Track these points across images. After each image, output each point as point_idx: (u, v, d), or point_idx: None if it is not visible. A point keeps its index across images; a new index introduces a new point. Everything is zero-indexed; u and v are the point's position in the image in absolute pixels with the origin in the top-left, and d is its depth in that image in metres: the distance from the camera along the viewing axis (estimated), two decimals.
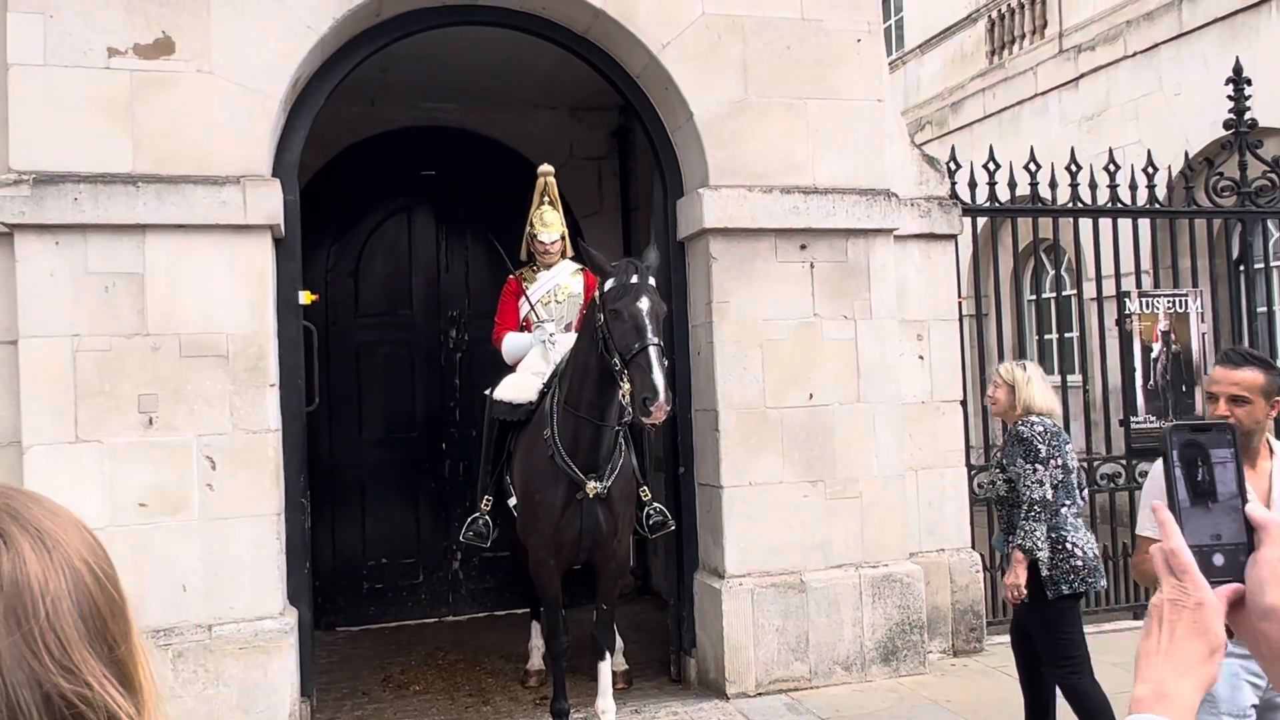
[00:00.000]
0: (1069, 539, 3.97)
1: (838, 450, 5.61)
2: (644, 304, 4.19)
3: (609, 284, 4.32)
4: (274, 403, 4.95)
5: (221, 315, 4.82)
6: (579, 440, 4.53)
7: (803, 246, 5.63)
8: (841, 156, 5.69)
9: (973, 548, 6.25)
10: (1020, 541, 3.91)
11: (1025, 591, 3.93)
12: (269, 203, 4.88)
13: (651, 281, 4.34)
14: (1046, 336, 8.15)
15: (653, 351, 4.07)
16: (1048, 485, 3.94)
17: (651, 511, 5.09)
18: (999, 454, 4.21)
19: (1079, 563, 3.94)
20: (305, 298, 5.17)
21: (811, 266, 5.65)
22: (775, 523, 5.51)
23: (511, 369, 5.44)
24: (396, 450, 7.59)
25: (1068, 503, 4.01)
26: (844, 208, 5.64)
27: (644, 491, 5.08)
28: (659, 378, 4.00)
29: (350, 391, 7.48)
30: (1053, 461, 3.96)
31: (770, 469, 5.52)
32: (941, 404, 6.14)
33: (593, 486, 4.56)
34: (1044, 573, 3.93)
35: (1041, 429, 4.00)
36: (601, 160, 8.28)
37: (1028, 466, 3.95)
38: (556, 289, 5.53)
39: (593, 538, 4.66)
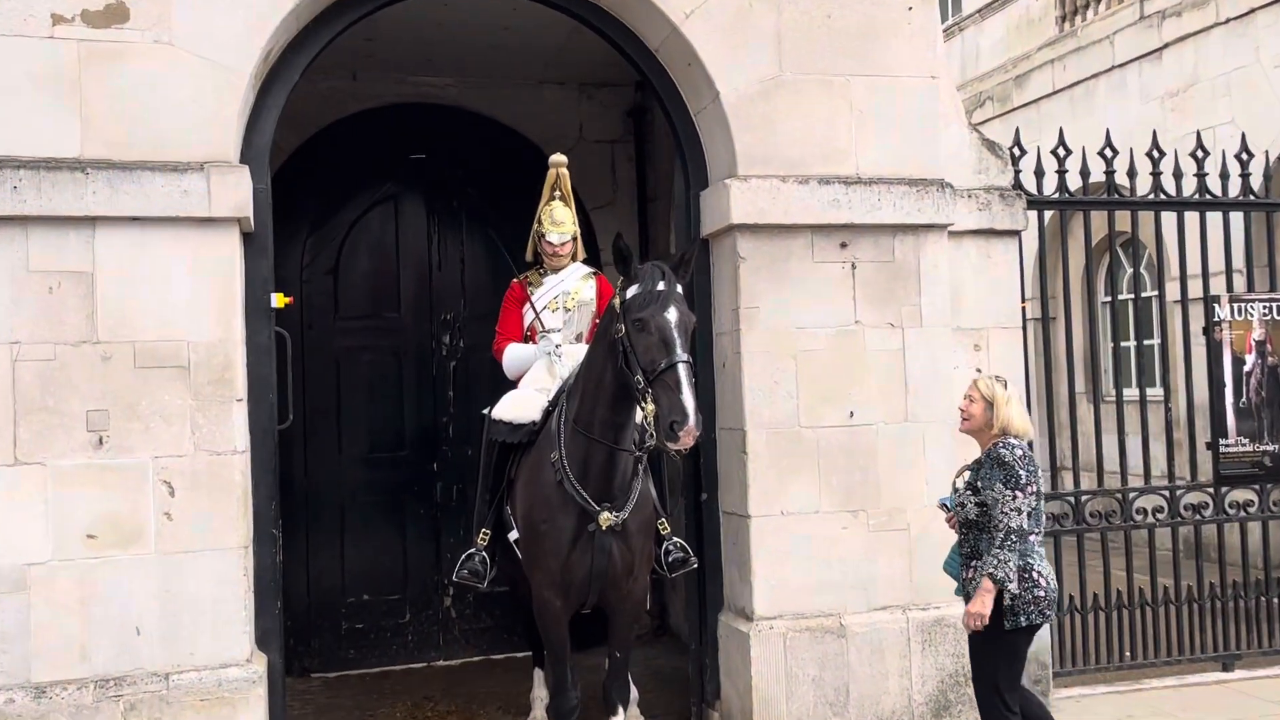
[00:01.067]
0: (1035, 568, 4.24)
1: (882, 476, 5.56)
2: (672, 314, 4.18)
3: (632, 290, 4.29)
4: (241, 419, 4.93)
5: (182, 320, 4.80)
6: (590, 465, 4.51)
7: (843, 245, 5.60)
8: (889, 142, 5.65)
9: None
10: (993, 571, 4.15)
11: (988, 622, 4.19)
12: (237, 192, 4.86)
13: (680, 289, 4.30)
14: (1123, 344, 8.06)
15: (682, 369, 4.05)
16: (1024, 514, 4.19)
17: (671, 547, 5.06)
18: (967, 474, 4.41)
19: (1042, 593, 4.23)
20: (278, 300, 5.15)
21: (853, 267, 5.62)
22: (810, 558, 5.47)
23: (513, 385, 5.41)
24: (381, 472, 7.58)
25: (1036, 530, 4.29)
26: (891, 200, 5.61)
27: (663, 525, 5.04)
28: (688, 399, 3.99)
29: (328, 405, 7.47)
30: (1029, 488, 4.21)
31: (805, 497, 5.48)
32: None
33: (607, 518, 4.53)
34: (1005, 602, 4.19)
35: (1021, 453, 4.25)
36: (615, 144, 8.26)
37: (1007, 493, 4.18)
38: (565, 295, 5.50)
39: (606, 576, 4.62)
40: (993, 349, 6.08)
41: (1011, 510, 4.17)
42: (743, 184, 5.45)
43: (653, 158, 8.10)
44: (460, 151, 7.73)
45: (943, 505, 4.58)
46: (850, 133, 5.61)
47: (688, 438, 3.99)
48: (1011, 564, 4.15)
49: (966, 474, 4.42)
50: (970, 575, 4.31)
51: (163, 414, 4.76)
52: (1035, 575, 4.22)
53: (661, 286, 4.26)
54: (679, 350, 4.11)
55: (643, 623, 6.48)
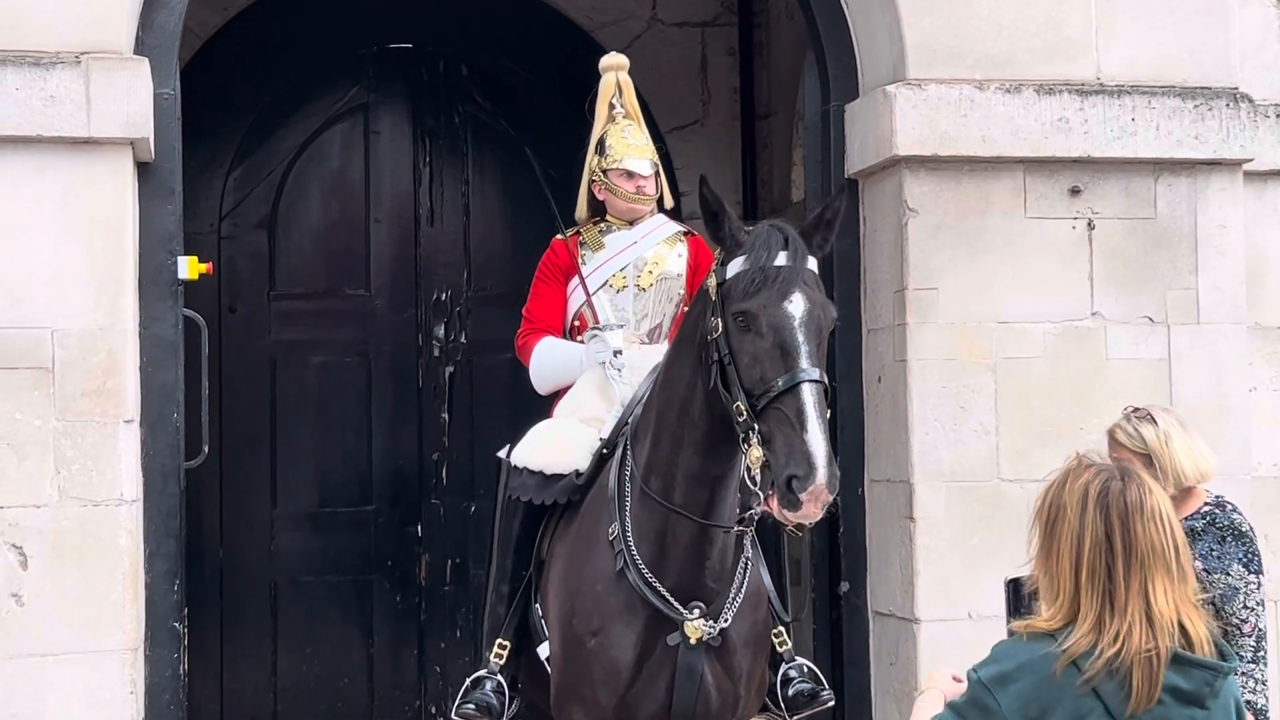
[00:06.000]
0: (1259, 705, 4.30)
1: None
2: (797, 305, 4.13)
3: (735, 264, 4.26)
4: (131, 452, 4.99)
5: (44, 297, 4.87)
6: (670, 545, 4.49)
7: (1074, 191, 5.59)
8: (1150, 27, 5.63)
9: None
10: (1253, 699, 4.15)
11: None
12: (130, 99, 4.92)
13: (813, 264, 4.27)
14: None
15: (808, 393, 3.98)
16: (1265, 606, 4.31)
17: (793, 672, 5.01)
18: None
19: None
20: (189, 268, 5.21)
21: (1090, 227, 5.61)
22: None
23: (547, 407, 5.42)
24: (336, 536, 7.67)
25: None
26: (1152, 121, 5.58)
27: (780, 638, 5.01)
28: (817, 441, 3.93)
29: (259, 431, 7.56)
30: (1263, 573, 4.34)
31: None
32: None
33: (698, 627, 4.50)
34: None
35: (1241, 517, 4.38)
36: (707, 29, 8.28)
37: (1251, 578, 4.25)
38: (639, 266, 5.48)
39: (693, 715, 4.60)
40: None
41: (1257, 605, 4.24)
42: (916, 92, 5.45)
43: (768, 52, 8.12)
44: (467, 39, 7.78)
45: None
46: (1088, 11, 5.59)
47: (813, 505, 3.92)
48: (1267, 685, 4.21)
49: None
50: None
51: (12, 442, 4.83)
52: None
53: (782, 260, 4.22)
54: (805, 362, 4.07)
55: None
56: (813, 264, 4.27)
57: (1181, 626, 2.84)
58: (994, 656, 3.08)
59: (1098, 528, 2.93)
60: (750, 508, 4.33)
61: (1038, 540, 3.08)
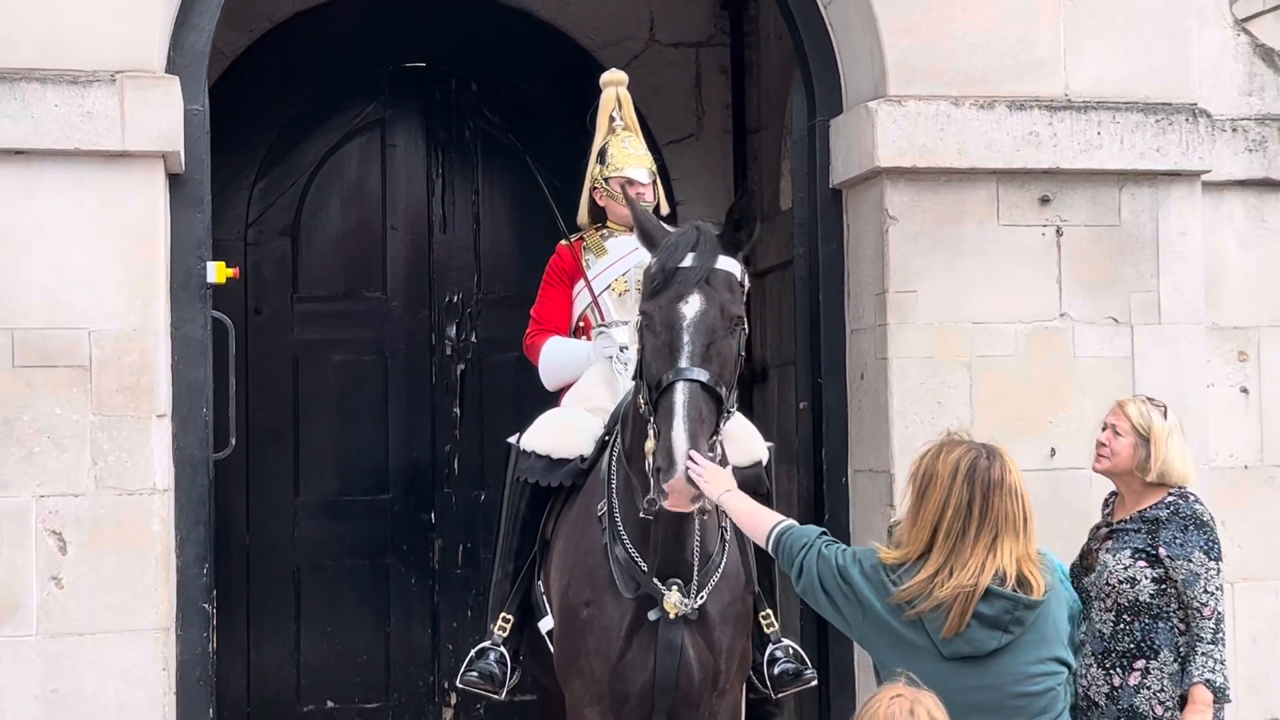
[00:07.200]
0: None
1: None
2: (690, 306, 4.12)
3: (649, 265, 4.29)
4: (163, 445, 4.99)
5: (81, 300, 4.87)
6: (651, 525, 4.48)
7: (1044, 200, 5.58)
8: (1115, 47, 5.63)
9: None
10: (1210, 675, 4.31)
11: None
12: (162, 115, 4.92)
13: (730, 266, 4.24)
14: None
15: (679, 391, 3.99)
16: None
17: (779, 653, 5.01)
18: (1113, 538, 4.53)
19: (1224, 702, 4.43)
20: (218, 273, 5.22)
21: (1058, 234, 5.60)
22: None
23: (554, 400, 5.42)
24: (355, 523, 7.67)
25: None
26: (1117, 134, 5.57)
27: (767, 618, 5.01)
28: (679, 438, 3.93)
29: (282, 425, 7.56)
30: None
31: None
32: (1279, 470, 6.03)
33: (676, 602, 4.50)
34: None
35: (1203, 507, 4.52)
36: (701, 49, 8.27)
37: (1211, 565, 4.37)
38: (640, 269, 5.47)
39: (678, 688, 4.59)
40: (1266, 358, 6.03)
41: (1216, 589, 4.36)
42: (896, 108, 5.44)
43: (758, 70, 8.09)
44: (477, 59, 7.78)
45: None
46: (1057, 33, 5.59)
47: (677, 496, 3.94)
48: (1226, 665, 4.37)
49: (1109, 538, 4.53)
50: (1137, 682, 4.39)
51: (51, 434, 4.82)
52: None
53: (688, 262, 4.21)
54: (684, 361, 4.05)
55: None
56: (725, 264, 4.23)
57: (1022, 577, 3.34)
58: (868, 556, 3.60)
59: (962, 496, 3.37)
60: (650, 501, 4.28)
61: (909, 499, 3.51)
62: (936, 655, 3.31)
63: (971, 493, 3.34)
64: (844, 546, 3.71)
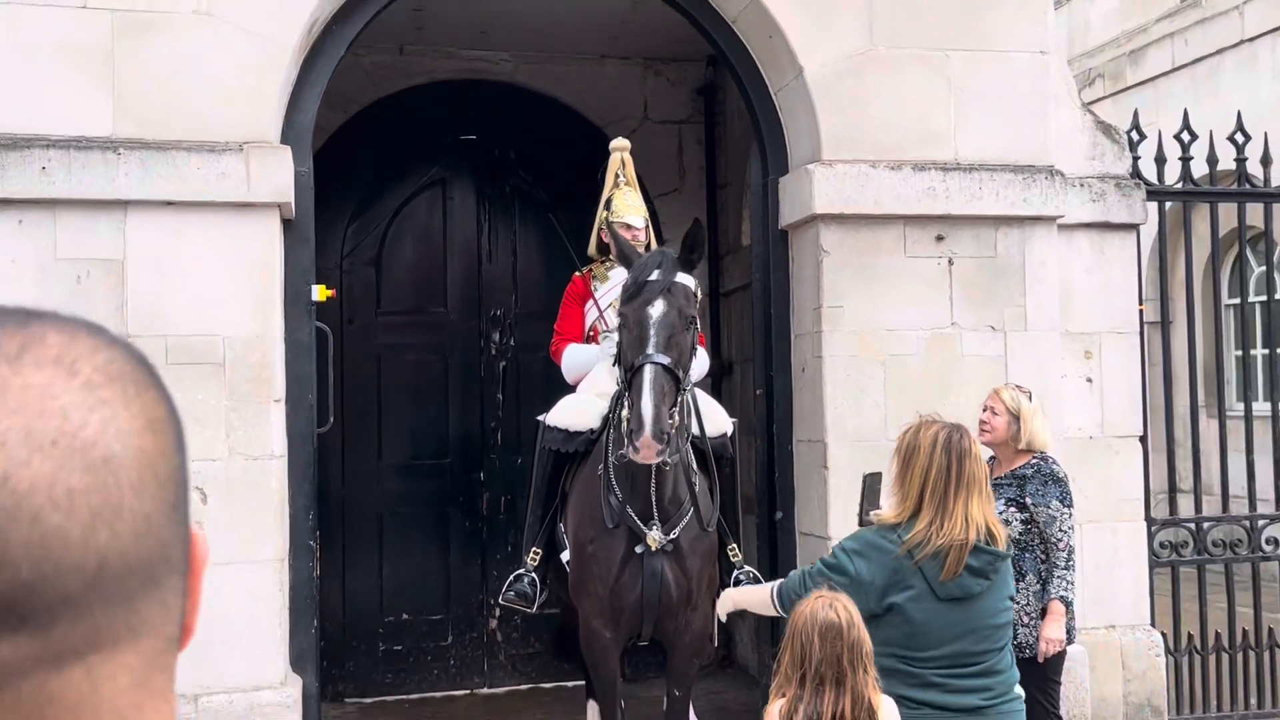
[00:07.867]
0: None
1: None
2: (655, 309, 4.20)
3: (627, 280, 4.35)
4: (279, 422, 5.03)
5: (218, 314, 4.91)
6: (636, 477, 4.52)
7: (939, 238, 5.59)
8: (992, 124, 5.64)
9: (1152, 625, 6.09)
10: (1064, 593, 4.55)
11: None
12: (278, 175, 4.96)
13: (686, 280, 4.33)
14: (1251, 352, 7.92)
15: (647, 372, 4.07)
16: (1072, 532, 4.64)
17: (741, 577, 5.04)
18: (1001, 490, 4.57)
19: (1073, 613, 4.70)
20: (320, 293, 5.25)
21: (950, 263, 5.61)
22: None
23: (572, 387, 5.44)
24: (423, 480, 7.67)
25: None
26: (994, 189, 5.59)
27: (733, 551, 5.03)
28: (648, 406, 3.99)
29: (368, 407, 7.57)
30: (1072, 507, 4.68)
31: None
32: (1115, 440, 6.03)
33: (654, 537, 4.53)
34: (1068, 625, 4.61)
35: (1059, 467, 4.67)
36: (683, 125, 8.28)
37: (1065, 510, 4.56)
38: None
39: (659, 604, 4.62)
40: (1105, 357, 6.02)
41: (1069, 528, 4.59)
42: (828, 169, 5.45)
43: (724, 140, 8.11)
44: (514, 132, 7.79)
45: None
46: (949, 113, 5.60)
47: (645, 450, 3.99)
48: (1074, 584, 4.62)
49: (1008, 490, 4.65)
50: (1044, 601, 4.60)
51: (196, 415, 4.85)
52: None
53: (654, 276, 4.28)
54: (651, 349, 4.13)
55: (707, 654, 6.47)
56: (683, 278, 4.34)
57: (989, 529, 3.30)
58: (853, 538, 3.48)
59: (942, 462, 3.29)
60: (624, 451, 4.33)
61: (896, 467, 3.43)
62: (933, 597, 3.28)
63: (948, 459, 3.27)
64: (819, 564, 3.53)
